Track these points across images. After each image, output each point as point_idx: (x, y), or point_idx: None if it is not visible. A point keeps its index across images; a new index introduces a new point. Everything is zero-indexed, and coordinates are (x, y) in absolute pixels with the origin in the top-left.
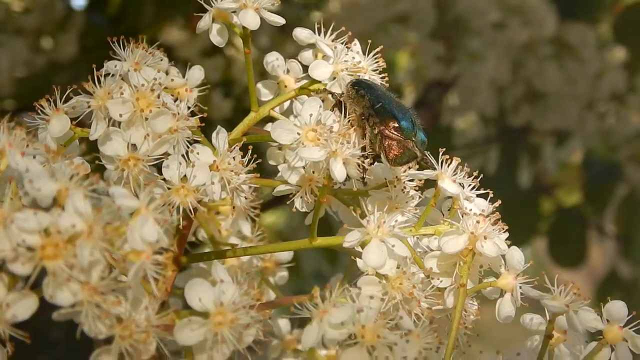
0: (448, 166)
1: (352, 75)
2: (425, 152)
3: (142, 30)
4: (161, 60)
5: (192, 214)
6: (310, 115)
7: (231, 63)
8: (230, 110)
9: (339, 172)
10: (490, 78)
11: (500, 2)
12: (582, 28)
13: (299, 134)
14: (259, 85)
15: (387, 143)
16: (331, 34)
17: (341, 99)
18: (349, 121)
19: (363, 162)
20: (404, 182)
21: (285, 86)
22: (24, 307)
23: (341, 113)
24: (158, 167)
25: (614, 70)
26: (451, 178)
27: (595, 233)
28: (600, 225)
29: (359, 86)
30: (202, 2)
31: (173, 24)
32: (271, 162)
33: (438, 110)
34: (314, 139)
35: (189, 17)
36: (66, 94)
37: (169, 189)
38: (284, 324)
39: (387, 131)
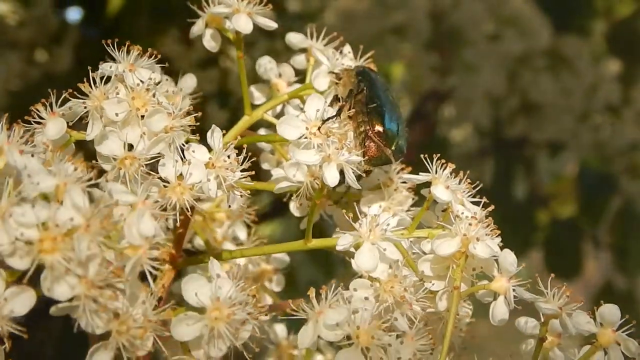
0: (443, 171)
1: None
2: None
3: (137, 42)
4: (155, 62)
5: (189, 211)
6: (317, 110)
7: (227, 75)
8: (226, 122)
9: (331, 178)
10: (486, 89)
11: (494, 14)
12: (576, 40)
13: (307, 129)
14: (252, 88)
15: (367, 143)
16: (323, 39)
17: (341, 83)
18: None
19: (359, 168)
20: (397, 183)
21: (278, 90)
22: (22, 302)
23: (342, 102)
24: (153, 168)
25: (609, 82)
26: (444, 184)
27: (590, 245)
28: (596, 237)
29: (362, 77)
30: (196, 9)
31: (168, 36)
32: (264, 166)
33: (433, 122)
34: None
35: (184, 29)
36: (62, 98)
37: (165, 187)
38: (280, 329)
39: (371, 132)
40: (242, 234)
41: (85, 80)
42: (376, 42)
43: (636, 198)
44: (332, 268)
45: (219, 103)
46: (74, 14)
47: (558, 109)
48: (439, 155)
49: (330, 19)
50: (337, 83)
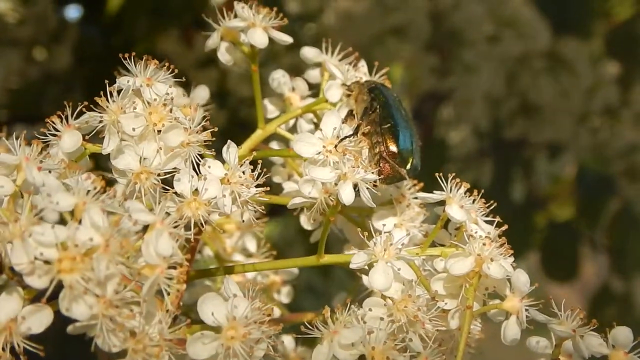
0: (457, 190)
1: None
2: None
3: (137, 41)
4: (172, 75)
5: (203, 227)
6: (334, 128)
7: (226, 75)
8: (225, 122)
9: (346, 196)
10: (485, 91)
11: (494, 15)
12: (575, 42)
13: (324, 147)
14: (266, 101)
15: (382, 164)
16: (339, 54)
17: (353, 95)
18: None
19: (375, 185)
20: (409, 199)
21: (291, 104)
22: (39, 320)
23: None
24: (167, 183)
25: (608, 84)
26: (459, 203)
27: (588, 247)
28: (593, 239)
29: (375, 95)
30: (211, 22)
31: (168, 36)
32: (275, 179)
33: (432, 123)
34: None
35: (184, 28)
36: (77, 110)
37: (180, 202)
38: (288, 341)
39: (385, 153)
40: (251, 245)
41: (102, 92)
42: (376, 43)
43: (634, 200)
44: (330, 271)
45: (218, 103)
46: (73, 12)
47: (557, 110)
48: (453, 174)
49: (329, 20)
50: (348, 95)
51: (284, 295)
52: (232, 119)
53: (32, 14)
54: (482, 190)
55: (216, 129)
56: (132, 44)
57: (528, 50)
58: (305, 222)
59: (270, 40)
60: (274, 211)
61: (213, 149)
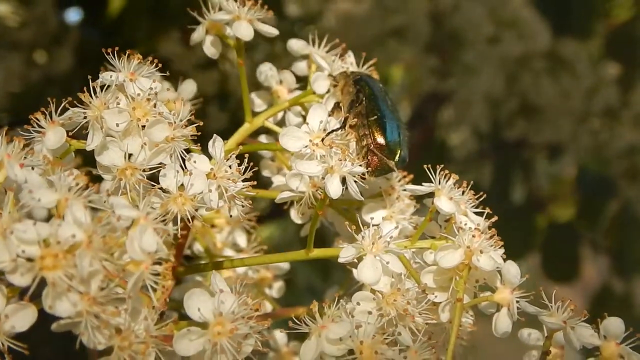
0: (446, 182)
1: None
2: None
3: (138, 43)
4: (156, 69)
5: (189, 222)
6: (321, 122)
7: (227, 77)
8: (227, 123)
9: (334, 190)
10: (485, 92)
11: (494, 16)
12: (575, 43)
13: (310, 140)
14: (253, 95)
15: (370, 157)
16: (325, 46)
17: (339, 86)
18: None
19: (362, 178)
20: (399, 192)
21: (278, 97)
22: (23, 318)
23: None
24: (153, 178)
25: (608, 85)
26: (448, 195)
27: (588, 248)
28: (594, 240)
29: (360, 87)
30: (196, 16)
31: (168, 38)
32: (265, 173)
33: (432, 125)
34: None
35: (184, 30)
36: (61, 106)
37: (166, 198)
38: (280, 336)
39: (373, 146)
40: (242, 240)
41: (85, 88)
42: (376, 45)
43: (634, 201)
44: (329, 271)
45: (219, 105)
46: (74, 15)
47: (557, 111)
48: (442, 166)
49: (330, 22)
50: (335, 86)
51: (276, 290)
52: (232, 119)
53: (33, 17)
54: (482, 191)
55: (201, 123)
56: (132, 46)
57: (528, 51)
58: (294, 216)
59: (270, 41)
60: (275, 212)
61: (199, 144)
